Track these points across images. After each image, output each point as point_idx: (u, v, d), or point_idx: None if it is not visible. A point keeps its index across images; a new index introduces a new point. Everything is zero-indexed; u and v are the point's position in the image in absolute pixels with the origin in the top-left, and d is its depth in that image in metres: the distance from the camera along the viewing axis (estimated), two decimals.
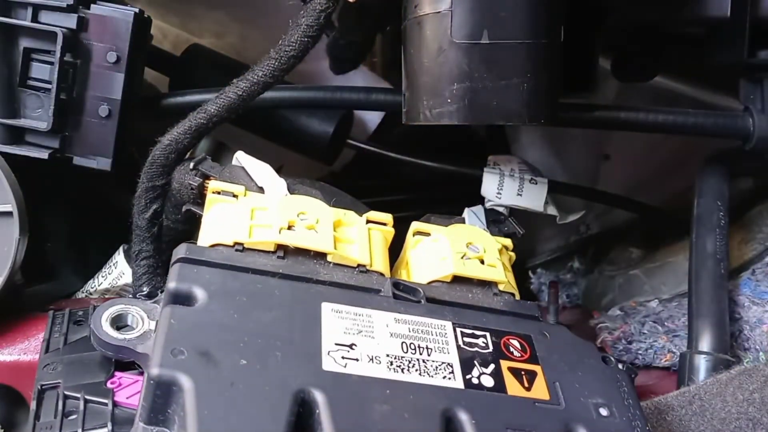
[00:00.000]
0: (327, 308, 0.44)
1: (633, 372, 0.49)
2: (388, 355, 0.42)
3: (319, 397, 0.38)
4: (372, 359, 0.42)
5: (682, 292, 0.74)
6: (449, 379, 0.42)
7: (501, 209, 0.66)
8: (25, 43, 0.60)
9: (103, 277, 0.71)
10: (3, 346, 0.58)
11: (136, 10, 0.61)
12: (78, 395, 0.48)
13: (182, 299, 0.42)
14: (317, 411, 0.38)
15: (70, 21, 0.60)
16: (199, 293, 0.42)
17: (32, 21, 0.59)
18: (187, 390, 0.36)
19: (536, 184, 0.68)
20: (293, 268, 0.46)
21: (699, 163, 0.72)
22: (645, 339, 0.69)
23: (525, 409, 0.42)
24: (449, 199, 0.75)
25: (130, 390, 0.49)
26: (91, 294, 0.71)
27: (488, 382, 0.43)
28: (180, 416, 0.36)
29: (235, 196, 0.51)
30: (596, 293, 0.85)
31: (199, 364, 0.38)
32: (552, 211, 0.69)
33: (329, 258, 0.48)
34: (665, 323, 0.70)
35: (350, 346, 0.42)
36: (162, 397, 0.37)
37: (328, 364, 0.40)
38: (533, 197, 0.68)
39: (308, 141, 0.80)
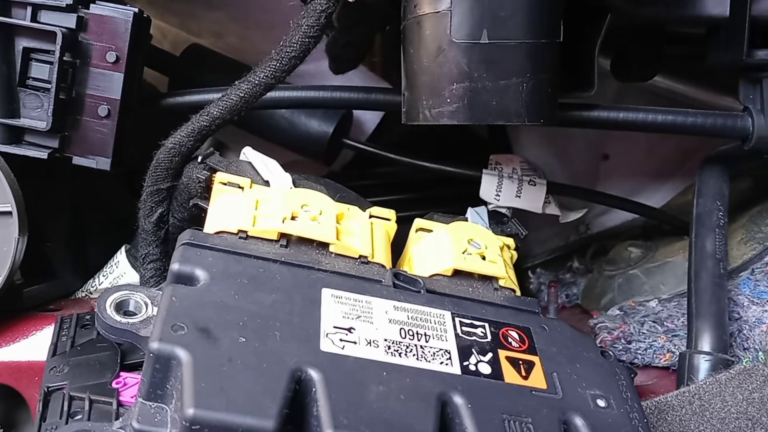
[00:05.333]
0: (327, 293, 0.45)
1: (632, 372, 0.49)
2: (386, 340, 0.43)
3: (315, 376, 0.39)
4: (370, 343, 0.42)
5: (682, 291, 0.74)
6: (446, 364, 0.43)
7: (503, 210, 0.66)
8: (24, 42, 0.60)
9: (104, 276, 0.71)
10: (2, 346, 0.58)
11: (136, 9, 0.61)
12: (83, 396, 0.48)
13: (185, 279, 0.43)
14: (314, 389, 0.38)
15: (70, 21, 0.60)
16: (201, 274, 0.43)
17: (31, 21, 0.59)
18: (186, 364, 0.37)
19: (535, 185, 0.68)
20: (295, 257, 0.47)
21: (699, 163, 0.72)
22: (644, 339, 0.69)
23: (521, 397, 0.42)
24: (451, 199, 0.75)
25: (135, 390, 0.49)
26: (91, 293, 0.71)
27: (485, 369, 0.43)
28: (178, 390, 0.37)
29: (240, 187, 0.52)
30: (595, 293, 0.85)
31: (198, 339, 0.38)
32: (553, 210, 0.69)
33: (331, 248, 0.49)
34: (664, 323, 0.70)
35: (349, 330, 0.42)
36: (161, 371, 0.38)
37: (326, 346, 0.41)
38: (532, 199, 0.68)
39: (307, 141, 0.80)
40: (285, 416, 0.36)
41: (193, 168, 0.56)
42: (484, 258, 0.52)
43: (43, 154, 0.61)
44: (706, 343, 0.60)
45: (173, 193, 0.57)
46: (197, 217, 0.56)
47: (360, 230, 0.51)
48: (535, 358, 0.46)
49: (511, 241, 0.58)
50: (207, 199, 0.54)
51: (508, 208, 0.67)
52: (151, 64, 0.76)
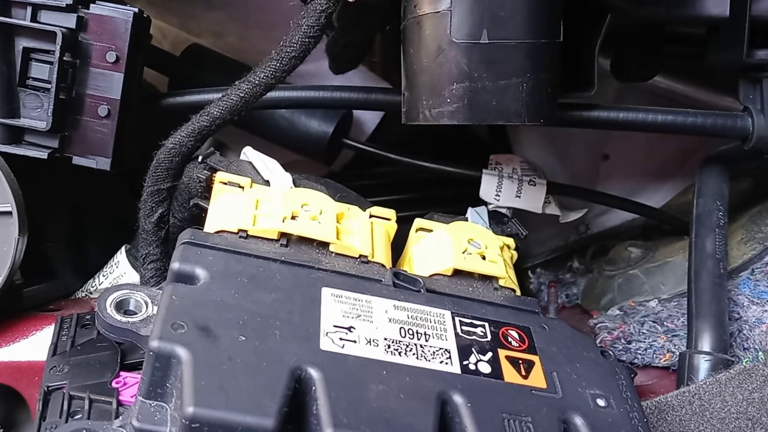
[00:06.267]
0: (327, 293, 0.45)
1: (632, 371, 0.49)
2: (386, 339, 0.43)
3: (315, 374, 0.39)
4: (370, 342, 0.42)
5: (682, 291, 0.74)
6: (446, 363, 0.43)
7: (503, 210, 0.66)
8: (24, 42, 0.60)
9: (104, 276, 0.71)
10: (2, 346, 0.58)
11: (136, 9, 0.61)
12: (83, 395, 0.48)
13: (185, 278, 0.43)
14: (313, 388, 0.38)
15: (70, 21, 0.60)
16: (202, 273, 0.43)
17: (31, 21, 0.59)
18: (185, 362, 0.37)
19: (535, 185, 0.68)
20: (295, 256, 0.47)
21: (699, 163, 0.72)
22: (644, 339, 0.69)
23: (521, 396, 0.42)
24: (451, 199, 0.75)
25: (134, 389, 0.49)
26: (91, 293, 0.71)
27: (485, 368, 0.43)
28: (178, 389, 0.37)
29: (241, 187, 0.53)
30: (595, 293, 0.85)
31: (198, 338, 0.38)
32: (553, 210, 0.69)
33: (331, 248, 0.49)
34: (664, 323, 0.70)
35: (348, 329, 0.43)
36: (161, 370, 0.38)
37: (326, 345, 0.41)
38: (532, 199, 0.68)
39: (308, 141, 0.80)
40: (285, 415, 0.36)
41: (193, 167, 0.56)
42: (484, 258, 0.52)
43: (43, 154, 0.61)
44: (706, 343, 0.60)
45: (173, 193, 0.57)
46: (198, 217, 0.56)
47: (360, 230, 0.51)
48: (535, 358, 0.46)
49: (511, 241, 0.58)
50: (207, 198, 0.54)
51: (508, 208, 0.67)
52: (151, 64, 0.76)
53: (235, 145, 0.83)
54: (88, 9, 0.60)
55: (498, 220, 0.65)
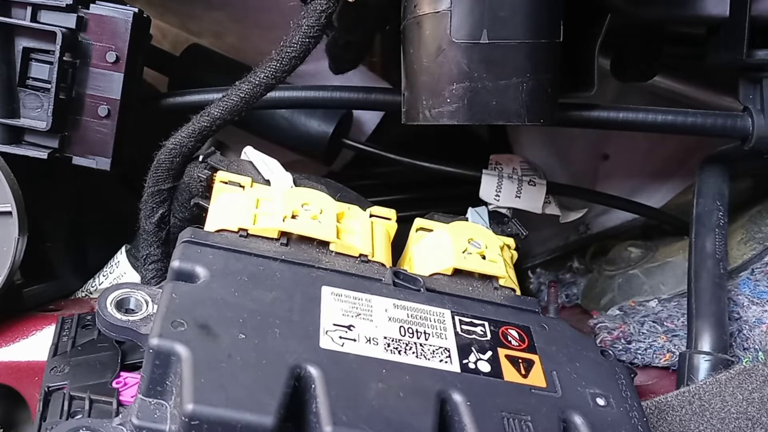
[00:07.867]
0: (327, 291, 0.45)
1: (632, 371, 0.49)
2: (385, 338, 0.43)
3: (315, 372, 0.39)
4: (369, 340, 0.42)
5: (682, 291, 0.74)
6: (446, 362, 0.43)
7: (503, 210, 0.66)
8: (24, 42, 0.60)
9: (104, 276, 0.71)
10: (2, 346, 0.58)
11: (136, 9, 0.61)
12: (84, 395, 0.48)
13: (185, 277, 0.43)
14: (313, 386, 0.38)
15: (70, 21, 0.60)
16: (202, 272, 0.43)
17: (31, 21, 0.59)
18: (185, 360, 0.37)
19: (534, 185, 0.68)
20: (296, 255, 0.47)
21: (699, 163, 0.72)
22: (644, 339, 0.69)
23: (521, 395, 0.43)
24: (451, 199, 0.75)
25: (135, 389, 0.49)
26: (91, 293, 0.71)
27: (485, 367, 0.43)
28: (177, 387, 0.37)
29: (241, 186, 0.53)
30: (595, 293, 0.85)
31: (198, 336, 0.38)
32: (553, 210, 0.69)
33: (331, 247, 0.49)
34: (664, 323, 0.70)
35: (348, 327, 0.43)
36: (160, 368, 0.38)
37: (326, 343, 0.41)
38: (532, 199, 0.68)
39: (308, 141, 0.80)
40: (284, 412, 0.36)
41: (194, 167, 0.56)
42: (484, 257, 0.53)
43: (43, 154, 0.61)
44: (706, 343, 0.60)
45: (174, 194, 0.57)
46: (198, 217, 0.56)
47: (360, 229, 0.51)
48: (535, 357, 0.46)
49: (511, 241, 0.58)
50: (208, 198, 0.54)
51: (508, 208, 0.67)
52: (151, 64, 0.76)
53: (236, 145, 0.83)
54: (88, 9, 0.60)
55: (498, 220, 0.65)
